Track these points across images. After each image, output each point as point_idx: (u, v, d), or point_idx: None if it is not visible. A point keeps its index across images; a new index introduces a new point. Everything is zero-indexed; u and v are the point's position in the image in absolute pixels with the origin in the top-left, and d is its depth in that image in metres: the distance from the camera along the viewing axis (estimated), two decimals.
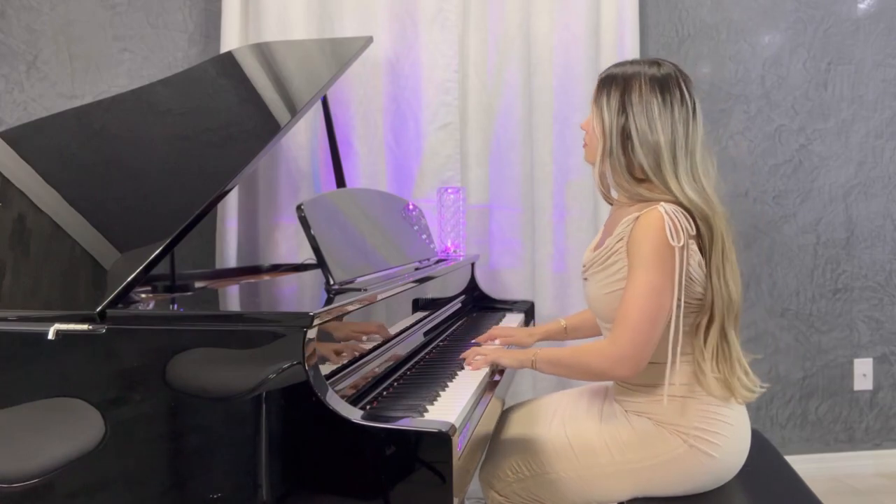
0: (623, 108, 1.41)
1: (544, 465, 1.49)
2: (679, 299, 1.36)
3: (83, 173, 1.63)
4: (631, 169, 1.43)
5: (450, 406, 1.27)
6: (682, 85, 1.43)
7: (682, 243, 1.33)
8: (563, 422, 1.55)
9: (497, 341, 1.78)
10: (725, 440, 1.41)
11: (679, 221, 1.34)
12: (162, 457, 1.15)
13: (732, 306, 1.41)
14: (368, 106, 2.42)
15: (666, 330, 1.38)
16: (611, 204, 1.59)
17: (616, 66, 1.49)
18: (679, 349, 1.39)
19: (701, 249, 1.39)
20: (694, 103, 1.43)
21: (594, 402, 1.60)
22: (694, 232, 1.37)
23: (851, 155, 2.75)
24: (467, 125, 2.49)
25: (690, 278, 1.38)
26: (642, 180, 1.43)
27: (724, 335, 1.41)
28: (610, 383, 1.60)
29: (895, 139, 2.77)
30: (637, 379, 1.46)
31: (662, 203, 1.36)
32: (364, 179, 2.42)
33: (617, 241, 1.42)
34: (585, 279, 1.53)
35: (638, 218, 1.37)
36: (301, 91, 1.88)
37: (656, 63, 1.46)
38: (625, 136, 1.41)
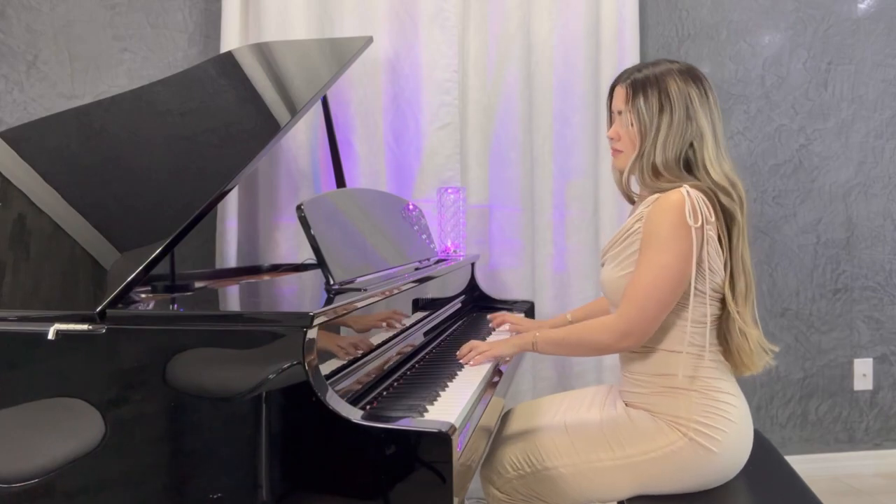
0: (662, 106, 1.42)
1: (544, 461, 1.50)
2: (696, 285, 1.38)
3: (83, 173, 1.63)
4: (664, 164, 1.43)
5: (450, 406, 1.27)
6: (705, 77, 1.47)
7: (698, 224, 1.34)
8: (563, 417, 1.56)
9: (506, 326, 1.89)
10: (726, 435, 1.41)
11: (699, 205, 1.35)
12: (162, 457, 1.15)
13: (752, 288, 1.44)
14: (368, 106, 2.42)
15: (677, 317, 1.41)
16: (633, 203, 1.60)
17: (637, 69, 1.49)
18: (696, 339, 1.42)
19: (725, 233, 1.41)
20: (715, 93, 1.48)
21: (595, 399, 1.61)
22: (713, 219, 1.38)
23: (851, 155, 2.76)
24: (467, 125, 2.49)
25: (710, 268, 1.39)
26: (661, 175, 1.43)
27: (742, 320, 1.44)
28: (616, 381, 1.60)
29: (895, 139, 2.77)
30: (645, 367, 1.47)
31: (686, 186, 1.37)
32: (364, 179, 2.42)
33: (636, 221, 1.44)
34: (602, 264, 1.54)
35: (658, 199, 1.39)
36: (301, 91, 1.88)
37: (674, 61, 1.49)
38: (658, 132, 1.42)
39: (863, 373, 2.80)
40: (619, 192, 1.61)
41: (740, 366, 1.47)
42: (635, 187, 1.57)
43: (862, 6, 2.73)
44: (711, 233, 1.38)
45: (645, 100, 1.44)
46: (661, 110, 1.42)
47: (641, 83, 1.45)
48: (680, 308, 1.42)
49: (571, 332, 1.51)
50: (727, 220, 1.41)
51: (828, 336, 2.78)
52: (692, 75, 1.45)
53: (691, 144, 1.42)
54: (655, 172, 1.44)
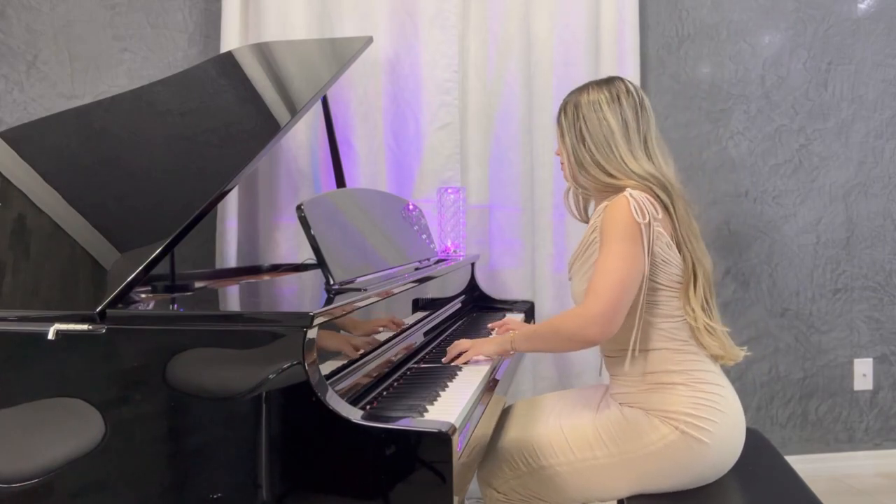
0: (576, 115, 1.56)
1: (540, 460, 1.50)
2: (655, 279, 1.45)
3: (83, 173, 1.63)
4: (597, 164, 1.53)
5: (450, 406, 1.27)
6: (628, 83, 1.57)
7: (646, 220, 1.42)
8: (559, 417, 1.57)
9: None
10: (717, 426, 1.42)
11: (643, 204, 1.43)
12: (162, 457, 1.15)
13: (707, 275, 1.51)
14: (368, 106, 2.42)
15: (649, 315, 1.46)
16: (585, 222, 1.69)
17: (567, 94, 1.63)
18: (639, 335, 1.46)
19: (670, 227, 1.48)
20: (641, 98, 1.56)
21: (591, 398, 1.62)
22: (659, 215, 1.45)
23: (851, 155, 2.75)
24: (467, 125, 2.49)
25: (664, 260, 1.46)
26: (612, 175, 1.52)
27: (707, 304, 1.50)
28: (607, 381, 1.62)
29: (895, 139, 2.77)
30: (629, 368, 1.49)
31: (629, 189, 1.46)
32: (364, 179, 2.42)
33: (591, 232, 1.51)
34: (570, 279, 1.60)
35: (606, 206, 1.47)
36: (301, 91, 1.88)
37: (601, 79, 1.62)
38: (581, 137, 1.54)
39: (863, 373, 2.79)
40: (573, 214, 1.71)
41: (710, 345, 1.49)
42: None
43: (862, 6, 2.73)
44: (660, 228, 1.45)
45: (564, 115, 1.59)
46: (575, 119, 1.56)
47: (563, 105, 1.61)
48: (649, 305, 1.47)
49: (543, 324, 1.60)
50: (668, 202, 1.48)
51: (828, 336, 2.78)
52: (606, 83, 1.57)
53: (607, 143, 1.52)
54: (603, 170, 1.52)
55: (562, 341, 1.53)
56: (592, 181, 1.54)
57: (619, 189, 1.48)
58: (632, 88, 1.56)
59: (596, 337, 1.44)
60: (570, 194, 1.69)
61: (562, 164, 1.64)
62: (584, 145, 1.54)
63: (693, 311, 1.46)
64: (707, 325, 1.47)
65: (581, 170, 1.55)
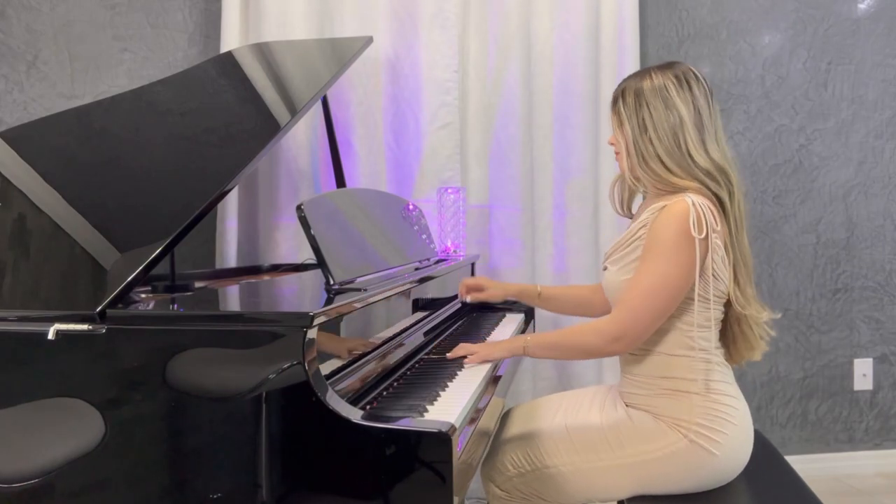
0: (639, 103, 1.45)
1: (544, 459, 1.50)
2: (700, 292, 1.38)
3: (83, 173, 1.63)
4: (658, 158, 1.44)
5: (450, 406, 1.27)
6: (696, 71, 1.47)
7: (703, 235, 1.34)
8: (564, 416, 1.56)
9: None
10: (727, 438, 1.41)
11: (704, 215, 1.35)
12: (162, 457, 1.15)
13: (750, 269, 1.46)
14: (368, 106, 2.42)
15: (679, 321, 1.42)
16: (624, 215, 1.64)
17: (624, 80, 1.54)
18: (699, 343, 1.42)
19: (729, 232, 1.42)
20: (710, 86, 1.47)
21: (597, 398, 1.61)
22: (718, 227, 1.38)
23: (851, 155, 2.76)
24: (467, 125, 2.49)
25: (715, 275, 1.39)
26: (671, 170, 1.43)
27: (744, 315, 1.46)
28: (616, 381, 1.61)
29: (895, 139, 2.77)
30: (646, 369, 1.47)
31: (690, 194, 1.38)
32: (364, 179, 2.42)
33: (640, 227, 1.44)
34: (605, 268, 1.54)
35: (664, 207, 1.39)
36: (301, 91, 1.88)
37: (661, 64, 1.51)
38: (643, 126, 1.44)
39: (863, 373, 2.79)
40: (615, 206, 1.64)
41: (740, 354, 1.49)
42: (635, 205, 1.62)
43: (862, 6, 2.73)
44: (718, 241, 1.38)
45: (624, 101, 1.48)
46: (638, 106, 1.45)
47: (622, 89, 1.50)
48: (681, 312, 1.42)
49: (563, 335, 1.54)
50: (721, 208, 1.42)
51: (828, 336, 2.78)
52: (672, 69, 1.47)
53: (674, 135, 1.42)
54: (664, 165, 1.43)
55: (581, 354, 1.52)
56: (652, 176, 1.44)
57: (678, 189, 1.41)
58: (699, 75, 1.46)
59: (617, 352, 1.44)
60: (616, 185, 1.61)
61: (616, 154, 1.54)
62: (646, 136, 1.43)
63: (747, 300, 1.43)
64: (753, 316, 1.45)
65: (641, 162, 1.45)
